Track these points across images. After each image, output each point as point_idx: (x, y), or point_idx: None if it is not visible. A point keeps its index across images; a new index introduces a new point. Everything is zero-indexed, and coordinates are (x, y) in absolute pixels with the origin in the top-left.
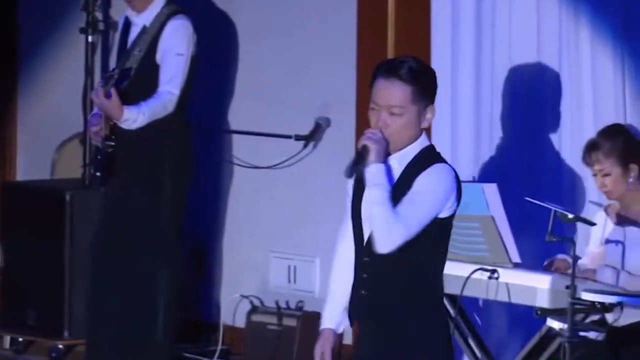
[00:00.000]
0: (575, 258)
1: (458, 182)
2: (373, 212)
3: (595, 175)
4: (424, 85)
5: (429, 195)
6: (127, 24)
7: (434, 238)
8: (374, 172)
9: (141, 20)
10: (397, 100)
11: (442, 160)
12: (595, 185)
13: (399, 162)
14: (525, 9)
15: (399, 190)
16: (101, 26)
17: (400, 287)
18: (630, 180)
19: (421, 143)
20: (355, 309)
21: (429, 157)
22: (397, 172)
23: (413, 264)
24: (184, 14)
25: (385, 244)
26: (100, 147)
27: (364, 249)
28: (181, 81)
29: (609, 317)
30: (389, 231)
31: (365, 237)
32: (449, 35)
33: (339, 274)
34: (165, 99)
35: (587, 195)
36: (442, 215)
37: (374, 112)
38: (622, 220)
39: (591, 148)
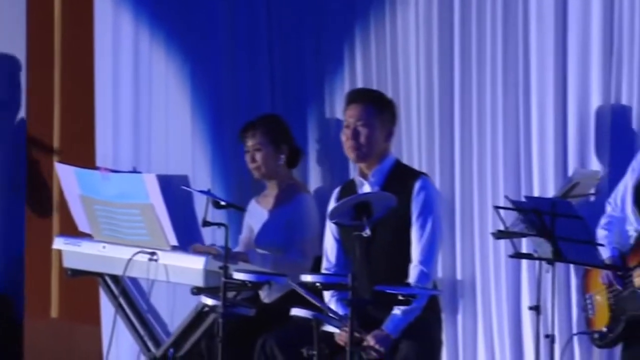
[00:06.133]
0: (227, 244)
1: None
2: None
3: (247, 152)
4: None
5: None
6: None
7: None
8: None
9: None
10: None
11: None
12: (247, 161)
13: None
14: None
15: None
16: None
17: None
18: (282, 157)
19: None
20: None
21: None
22: None
23: None
24: None
25: None
26: None
27: None
28: None
29: (262, 294)
30: None
31: None
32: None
33: None
34: None
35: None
36: None
37: None
38: (274, 205)
39: (250, 126)
